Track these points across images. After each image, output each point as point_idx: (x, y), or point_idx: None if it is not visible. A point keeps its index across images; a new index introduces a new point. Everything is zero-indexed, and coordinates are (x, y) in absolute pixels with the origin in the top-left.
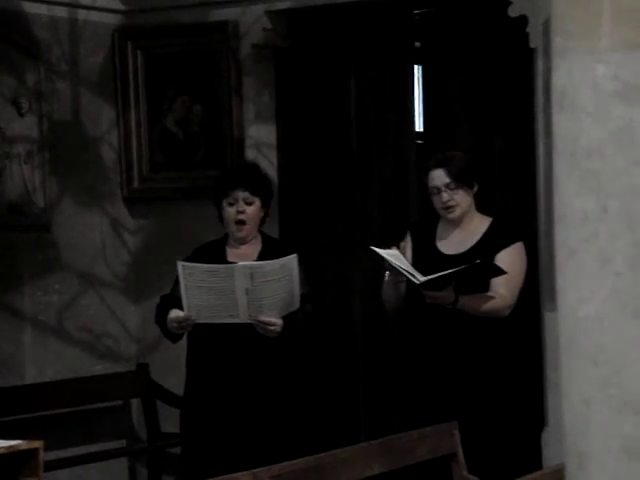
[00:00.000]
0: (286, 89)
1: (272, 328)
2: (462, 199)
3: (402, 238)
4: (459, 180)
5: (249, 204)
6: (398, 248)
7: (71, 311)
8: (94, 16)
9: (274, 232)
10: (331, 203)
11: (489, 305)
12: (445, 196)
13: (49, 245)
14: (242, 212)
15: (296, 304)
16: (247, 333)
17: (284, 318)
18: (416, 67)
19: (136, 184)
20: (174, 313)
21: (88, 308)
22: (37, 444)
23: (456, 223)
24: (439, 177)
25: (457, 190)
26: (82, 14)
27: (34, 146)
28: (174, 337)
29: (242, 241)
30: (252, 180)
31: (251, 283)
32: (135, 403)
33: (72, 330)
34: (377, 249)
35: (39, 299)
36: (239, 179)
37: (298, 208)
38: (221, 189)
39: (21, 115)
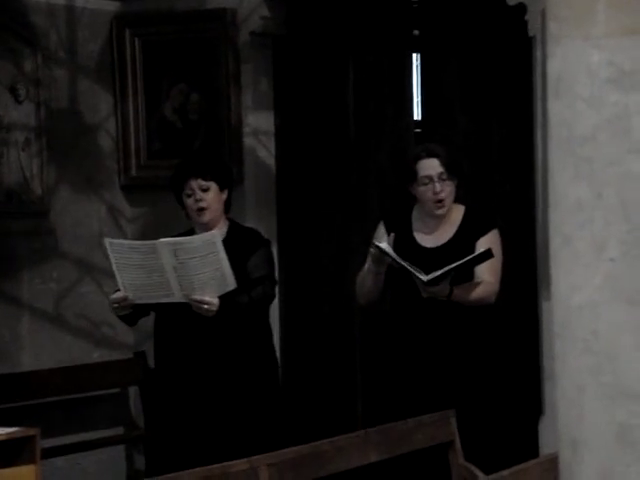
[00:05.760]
0: (284, 77)
1: (206, 307)
2: (450, 192)
3: (374, 229)
4: (451, 171)
5: (205, 190)
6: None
7: (68, 299)
8: (92, 3)
9: (272, 220)
10: (329, 191)
11: (480, 293)
12: (438, 186)
13: (47, 232)
14: (200, 200)
15: (231, 284)
16: (202, 317)
17: (221, 298)
18: (414, 55)
19: (134, 172)
20: (115, 294)
21: (86, 296)
22: (34, 431)
23: (434, 214)
24: (432, 166)
25: (448, 181)
26: (80, 1)
27: (32, 133)
28: (127, 320)
29: (206, 227)
30: (202, 167)
31: (176, 260)
32: (132, 391)
33: (69, 318)
34: (381, 245)
35: (36, 287)
36: (189, 169)
37: (296, 196)
38: (176, 184)
39: (19, 102)
